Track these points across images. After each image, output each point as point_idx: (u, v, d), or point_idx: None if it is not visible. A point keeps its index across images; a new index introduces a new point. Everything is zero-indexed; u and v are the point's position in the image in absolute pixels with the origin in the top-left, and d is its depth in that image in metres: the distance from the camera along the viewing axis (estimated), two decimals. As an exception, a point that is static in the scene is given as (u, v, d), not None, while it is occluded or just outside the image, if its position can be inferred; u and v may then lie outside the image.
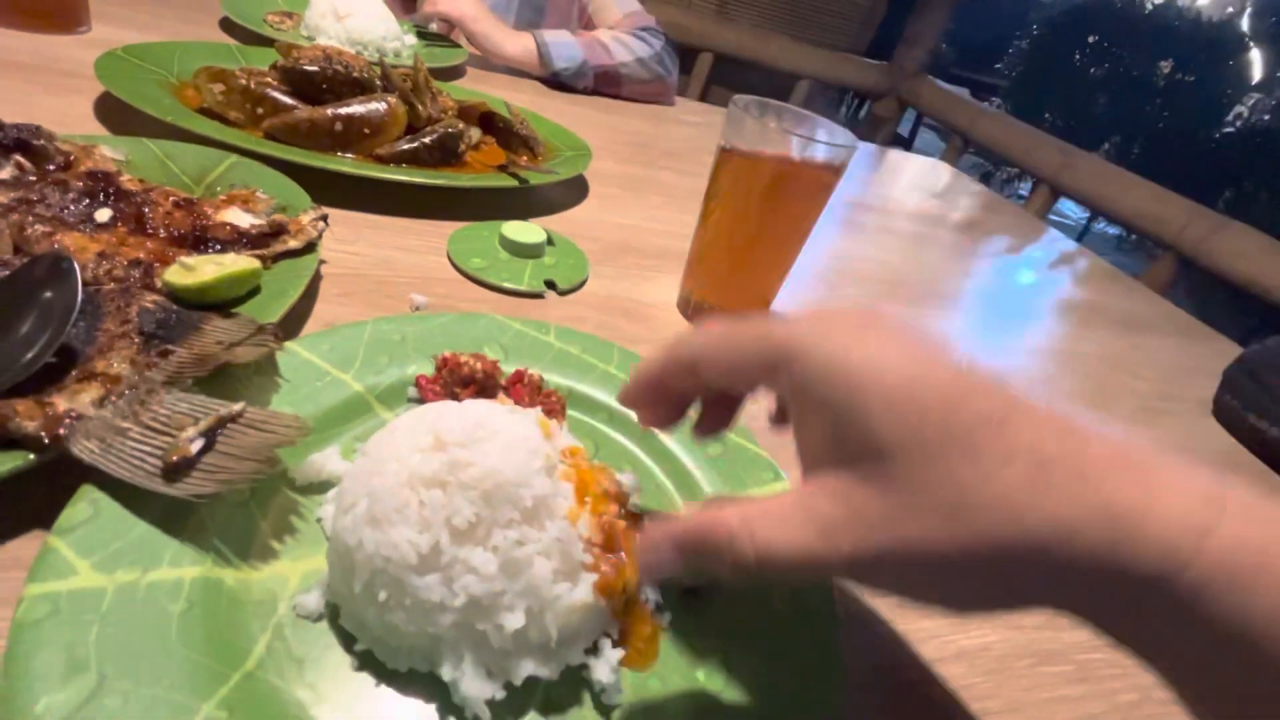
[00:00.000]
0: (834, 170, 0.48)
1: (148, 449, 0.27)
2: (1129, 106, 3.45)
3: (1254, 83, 3.53)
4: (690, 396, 0.28)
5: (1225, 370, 0.71)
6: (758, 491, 0.37)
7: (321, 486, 0.31)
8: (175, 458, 0.26)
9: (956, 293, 0.85)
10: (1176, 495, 0.17)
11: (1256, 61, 3.52)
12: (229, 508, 0.28)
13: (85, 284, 0.36)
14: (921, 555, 0.18)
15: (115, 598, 0.23)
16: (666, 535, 0.23)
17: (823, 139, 0.46)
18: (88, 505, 0.25)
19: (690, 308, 0.56)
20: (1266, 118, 3.21)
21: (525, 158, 0.71)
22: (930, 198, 1.21)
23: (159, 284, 0.37)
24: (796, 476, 0.23)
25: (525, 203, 0.66)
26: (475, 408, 0.27)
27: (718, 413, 0.29)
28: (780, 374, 0.22)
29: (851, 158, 0.48)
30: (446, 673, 0.24)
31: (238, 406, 0.29)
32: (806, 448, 0.22)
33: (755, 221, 0.49)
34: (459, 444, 0.25)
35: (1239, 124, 3.47)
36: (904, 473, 0.19)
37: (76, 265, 0.31)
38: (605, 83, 1.11)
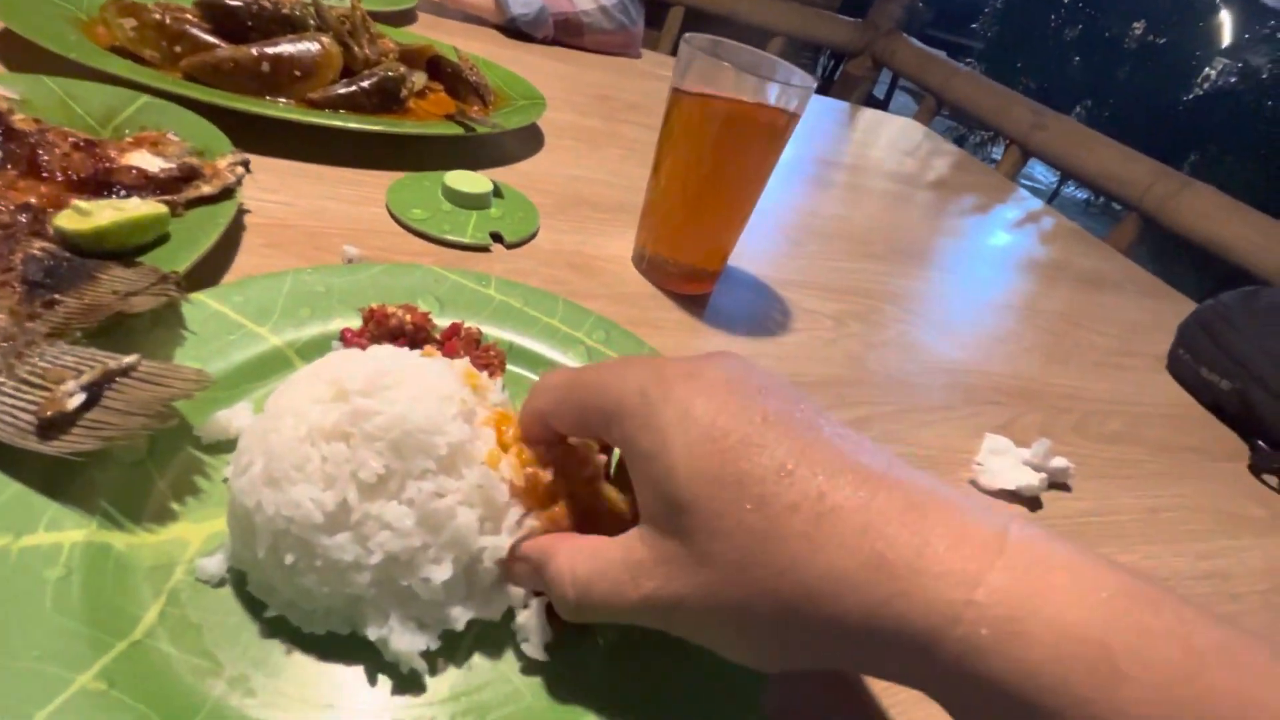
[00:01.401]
0: (790, 113, 0.46)
1: (21, 404, 0.24)
2: (1101, 68, 3.46)
3: (1223, 47, 3.55)
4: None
5: (1180, 325, 0.72)
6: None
7: (229, 445, 0.28)
8: (50, 412, 0.23)
9: (923, 251, 0.84)
10: (951, 545, 0.17)
11: (1226, 24, 3.54)
12: (121, 468, 0.26)
13: (-36, 230, 0.33)
14: (715, 606, 0.19)
15: (-20, 565, 0.21)
16: (520, 555, 0.24)
17: (777, 79, 0.44)
18: (-51, 466, 0.23)
19: (645, 262, 0.54)
20: (1233, 80, 3.24)
21: (475, 107, 0.67)
22: (902, 156, 1.19)
23: (51, 231, 0.34)
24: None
25: (474, 154, 0.62)
26: (379, 353, 0.25)
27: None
28: (612, 429, 0.22)
29: (808, 99, 0.46)
30: (372, 632, 0.23)
31: (130, 359, 0.26)
32: (639, 498, 0.22)
33: (708, 168, 0.47)
34: (361, 392, 0.23)
35: (1206, 87, 3.50)
36: (702, 524, 0.19)
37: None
38: (566, 32, 1.06)
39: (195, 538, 0.25)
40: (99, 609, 0.22)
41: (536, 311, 0.41)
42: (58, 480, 0.24)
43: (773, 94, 0.44)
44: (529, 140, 0.70)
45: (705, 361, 0.22)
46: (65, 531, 0.23)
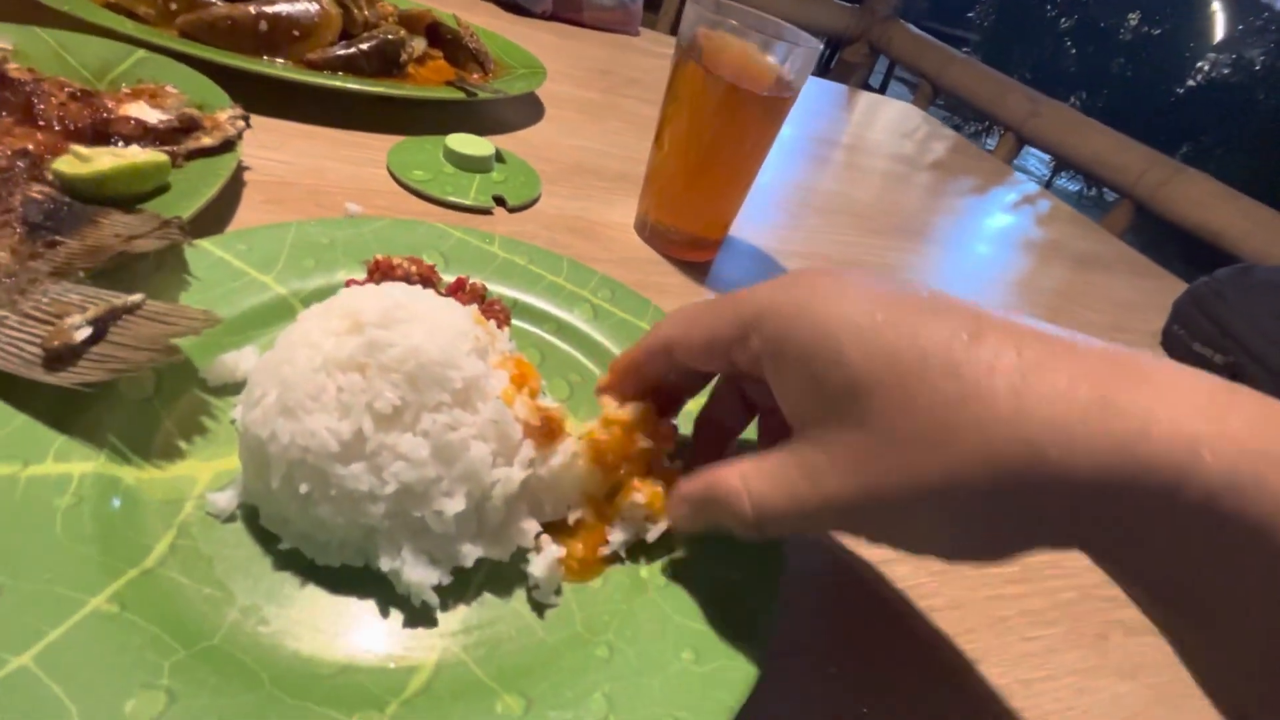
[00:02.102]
0: (794, 78, 0.46)
1: (26, 337, 0.24)
2: (1096, 59, 3.46)
3: (1217, 40, 3.56)
4: (671, 387, 0.27)
5: (1175, 301, 0.72)
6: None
7: (236, 388, 0.28)
8: (56, 343, 0.23)
9: (921, 228, 0.84)
10: (1181, 392, 0.15)
11: (1219, 17, 3.55)
12: (128, 405, 0.25)
13: (-40, 173, 0.32)
14: (914, 489, 0.17)
15: (-13, 491, 0.21)
16: (682, 494, 0.24)
17: (784, 41, 0.44)
18: (-46, 396, 0.22)
19: (647, 229, 0.54)
20: (1226, 72, 3.26)
21: (475, 75, 0.67)
22: (900, 138, 1.19)
23: (49, 177, 0.33)
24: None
25: (474, 120, 0.62)
26: (393, 289, 0.25)
27: (709, 449, 0.29)
28: (751, 337, 0.21)
29: (812, 64, 0.46)
30: (385, 564, 0.23)
31: (135, 297, 0.26)
32: (790, 405, 0.21)
33: (710, 134, 0.47)
34: (377, 324, 0.23)
35: (1200, 79, 3.51)
36: (883, 404, 0.18)
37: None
38: (564, 6, 1.05)
39: (203, 475, 0.25)
40: (110, 537, 0.21)
41: (541, 269, 0.41)
42: (65, 414, 0.24)
43: (778, 56, 0.44)
44: (529, 109, 0.69)
45: (832, 268, 0.22)
46: (73, 463, 0.23)
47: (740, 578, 0.26)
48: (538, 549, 0.25)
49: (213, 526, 0.24)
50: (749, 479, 0.21)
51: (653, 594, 0.25)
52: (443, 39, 0.66)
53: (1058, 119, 1.91)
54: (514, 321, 0.38)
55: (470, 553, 0.24)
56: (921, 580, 0.33)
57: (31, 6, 0.47)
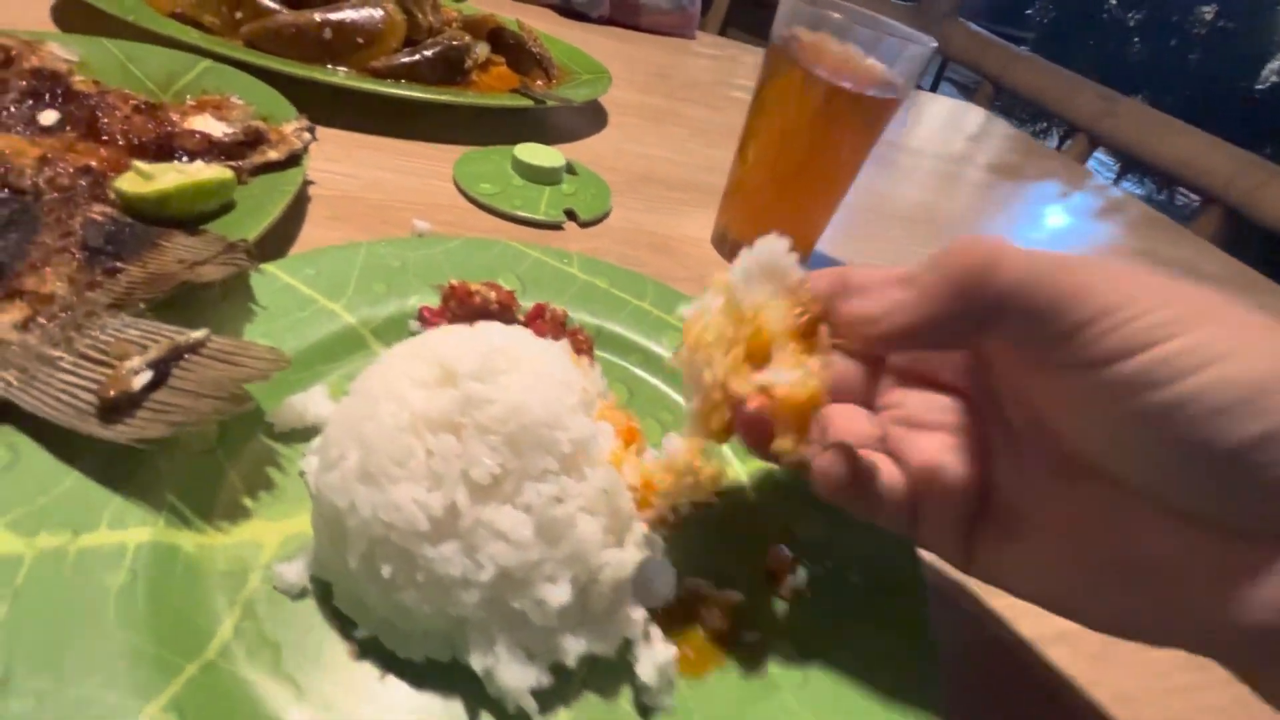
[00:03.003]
0: (902, 80, 0.41)
1: (81, 382, 0.21)
2: (1167, 55, 3.28)
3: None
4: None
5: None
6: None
7: (305, 434, 0.25)
8: (114, 392, 0.20)
9: (1012, 239, 0.77)
10: None
11: (1303, 8, 3.32)
12: (190, 457, 0.22)
13: (19, 192, 0.30)
14: None
15: (35, 568, 0.18)
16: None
17: (894, 39, 0.39)
18: (4, 450, 0.20)
19: (727, 245, 0.50)
20: (1313, 67, 3.04)
21: (539, 81, 0.64)
22: (966, 141, 1.12)
23: (111, 196, 0.31)
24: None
25: (538, 129, 0.59)
26: (489, 331, 0.21)
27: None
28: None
29: (924, 64, 0.41)
30: (477, 661, 0.19)
31: (199, 334, 0.23)
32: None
33: (805, 141, 0.43)
34: (473, 376, 0.19)
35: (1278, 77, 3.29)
36: None
37: (-6, 157, 0.25)
38: (622, 11, 1.02)
39: (271, 539, 0.22)
40: (167, 622, 0.18)
41: (624, 293, 0.37)
42: (120, 469, 0.21)
43: (885, 55, 0.40)
44: (592, 116, 0.66)
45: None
46: (129, 529, 0.20)
47: (890, 674, 0.22)
48: (645, 639, 0.21)
49: (281, 604, 0.20)
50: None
51: (786, 695, 0.21)
52: (506, 44, 0.64)
53: (1135, 118, 1.80)
54: (597, 351, 0.34)
55: (573, 647, 0.20)
56: (1080, 666, 0.28)
57: (99, 17, 0.46)
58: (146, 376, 0.21)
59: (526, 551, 0.18)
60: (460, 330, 0.21)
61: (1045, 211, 0.93)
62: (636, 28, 1.05)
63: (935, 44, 0.40)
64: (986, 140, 1.16)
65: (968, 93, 2.29)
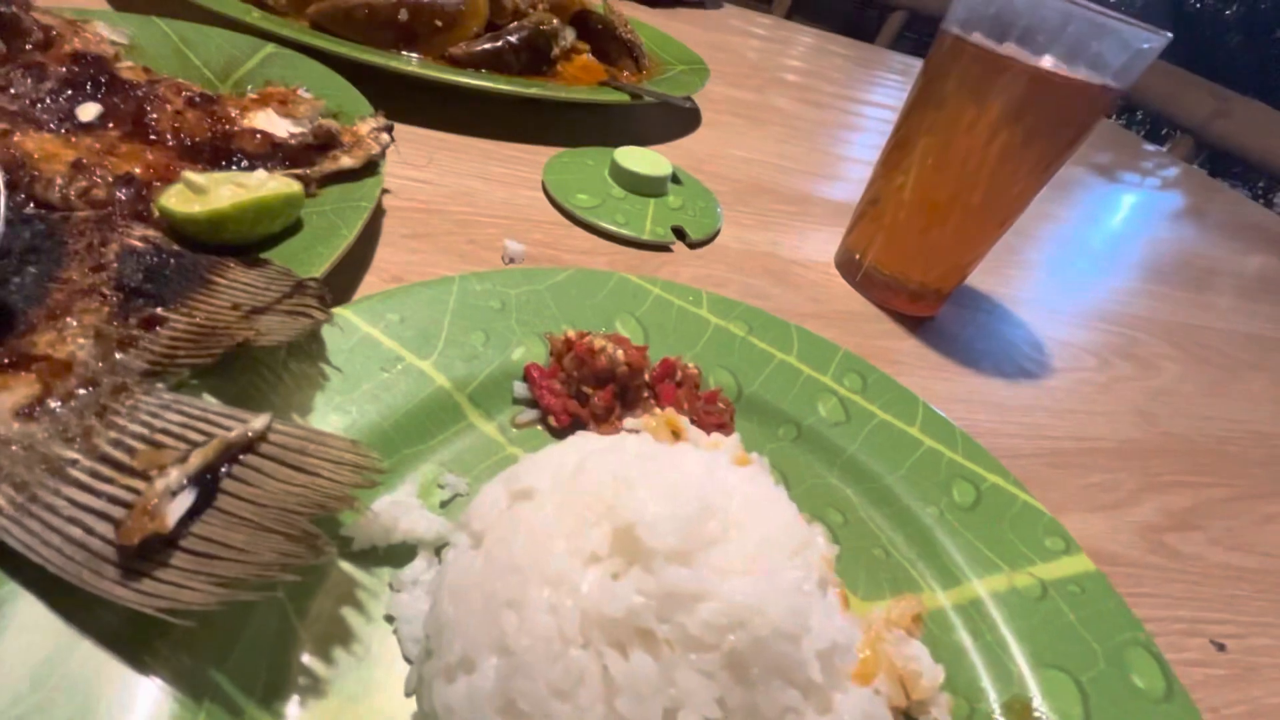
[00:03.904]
0: (1118, 82, 0.32)
1: (99, 504, 0.15)
2: (1272, 50, 3.01)
3: None
4: None
5: None
6: (1042, 570, 0.24)
7: (392, 554, 0.19)
8: (139, 538, 0.14)
9: (1165, 264, 0.67)
10: None
11: None
12: (240, 605, 0.16)
13: (49, 208, 0.24)
14: None
15: (13, 825, 0.12)
16: None
17: (1111, 30, 0.31)
18: (-16, 615, 0.14)
19: (860, 273, 0.42)
20: None
21: (626, 72, 0.56)
22: (1095, 150, 1.01)
23: (155, 212, 0.25)
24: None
25: (629, 127, 0.52)
26: (682, 460, 0.14)
27: None
28: None
29: (1146, 64, 0.32)
30: None
31: (258, 422, 0.17)
32: None
33: (980, 161, 0.34)
34: (674, 555, 0.12)
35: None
36: None
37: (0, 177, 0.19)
38: None
39: (351, 733, 0.15)
40: None
41: (765, 343, 0.30)
42: (143, 628, 0.15)
43: (1111, 48, 0.31)
44: (686, 114, 0.58)
45: None
46: (156, 738, 0.13)
47: None
48: None
49: None
50: None
51: None
52: (592, 30, 0.57)
53: (1252, 119, 1.64)
54: (738, 420, 0.27)
55: None
56: None
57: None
58: (187, 501, 0.15)
59: None
60: (636, 450, 0.14)
61: (1204, 235, 0.81)
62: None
63: (1170, 35, 0.31)
64: (1108, 146, 1.04)
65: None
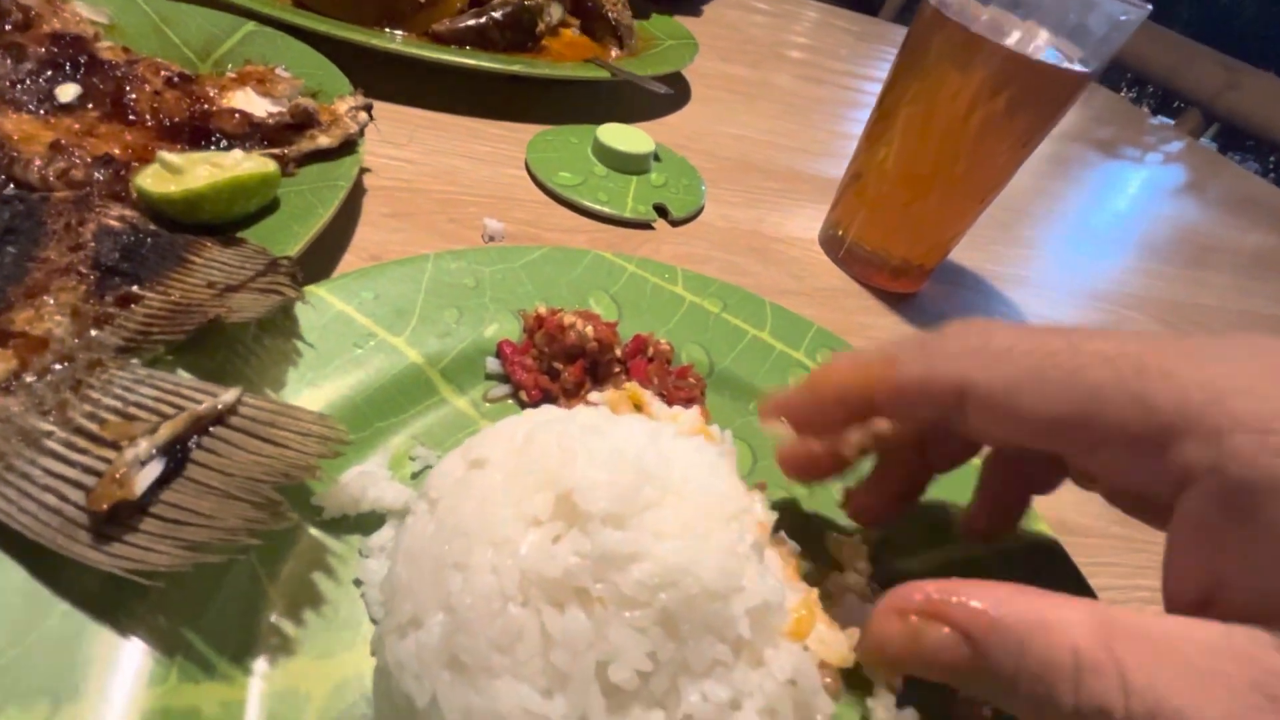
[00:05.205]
0: (1098, 57, 0.32)
1: (72, 473, 0.16)
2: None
3: None
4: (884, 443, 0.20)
5: None
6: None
7: (360, 522, 0.20)
8: (107, 503, 0.15)
9: (1154, 240, 0.67)
10: None
11: None
12: (213, 565, 0.17)
13: (27, 188, 0.25)
14: None
15: (-6, 767, 0.13)
16: (919, 599, 0.13)
17: (1091, 6, 0.30)
18: (-34, 576, 0.14)
19: (842, 249, 0.42)
20: None
21: (614, 51, 0.56)
22: (1094, 124, 0.99)
23: (133, 193, 0.26)
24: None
25: (617, 103, 0.51)
26: (629, 430, 0.15)
27: (1002, 500, 0.21)
28: (1190, 455, 0.13)
29: (1124, 39, 0.32)
30: None
31: (228, 395, 0.18)
32: (1235, 577, 0.13)
33: (962, 132, 0.34)
34: (609, 518, 0.13)
35: None
36: None
37: (-26, 154, 0.19)
38: None
39: (318, 688, 0.16)
40: (176, 844, 0.13)
41: (739, 320, 0.30)
42: (119, 592, 0.15)
43: (1094, 23, 0.31)
44: (675, 88, 0.58)
45: None
46: (131, 691, 0.14)
47: None
48: None
49: (331, 795, 0.15)
50: (1126, 652, 0.12)
51: None
52: (582, 6, 0.56)
53: (1263, 92, 1.61)
54: (709, 395, 0.27)
55: None
56: None
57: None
58: (156, 470, 0.16)
59: None
60: (586, 421, 0.15)
61: (1200, 212, 0.81)
62: None
63: (1150, 7, 0.31)
64: (1107, 120, 1.03)
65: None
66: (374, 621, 0.17)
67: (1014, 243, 0.54)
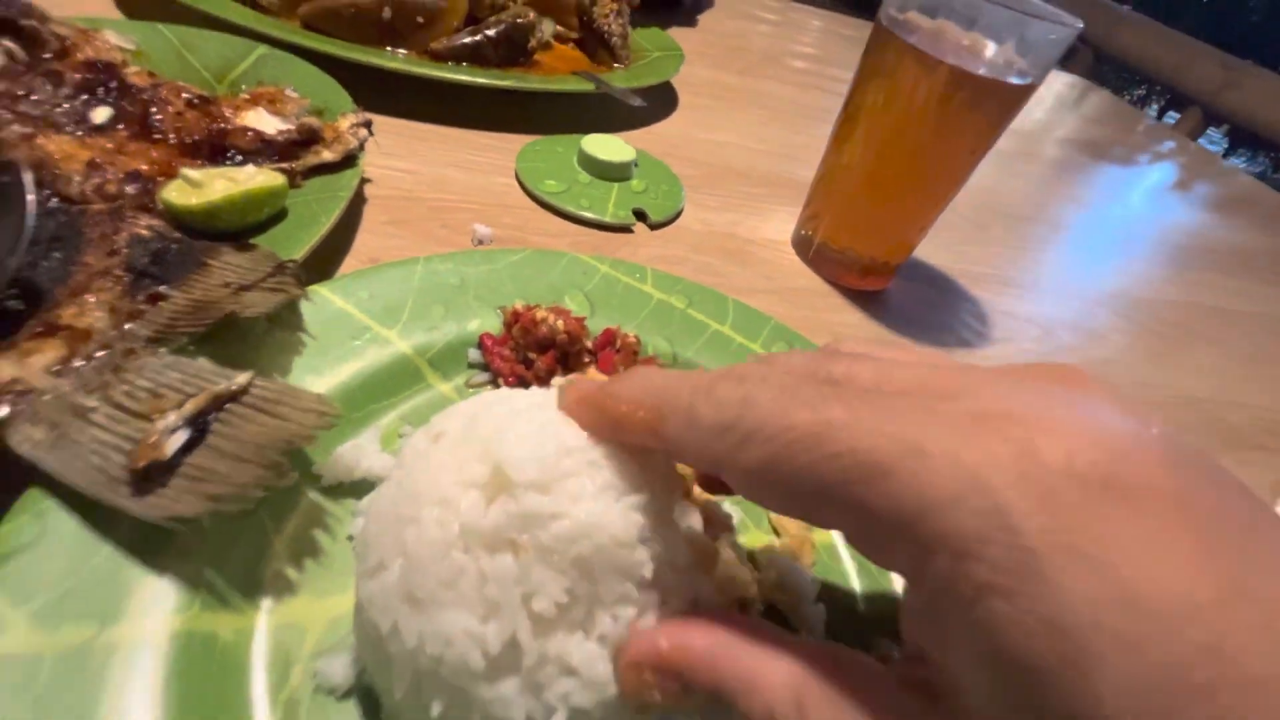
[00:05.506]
0: (1041, 65, 0.35)
1: (115, 440, 0.19)
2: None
3: None
4: None
5: None
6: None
7: (355, 488, 0.23)
8: (144, 462, 0.18)
9: (1129, 239, 0.69)
10: None
11: None
12: (230, 519, 0.20)
13: (69, 201, 0.28)
14: None
15: (58, 669, 0.16)
16: (669, 657, 0.15)
17: (1029, 19, 0.33)
18: (30, 523, 0.18)
19: (812, 250, 0.45)
20: None
21: (616, 64, 0.59)
22: (1077, 121, 1.01)
23: (159, 206, 0.29)
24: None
25: (606, 114, 0.54)
26: (551, 422, 0.17)
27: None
28: (898, 551, 0.13)
29: (1063, 49, 0.35)
30: None
31: (241, 379, 0.21)
32: (968, 696, 0.13)
33: (916, 138, 0.37)
34: (533, 485, 0.16)
35: None
36: None
37: (29, 175, 0.23)
38: None
39: (315, 622, 0.19)
40: (200, 735, 0.16)
41: (703, 315, 0.33)
42: (155, 539, 0.19)
43: (1033, 35, 0.33)
44: (662, 99, 0.61)
45: (1082, 415, 0.13)
46: (161, 617, 0.18)
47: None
48: None
49: (324, 706, 0.18)
50: (812, 707, 0.14)
51: None
52: (583, 22, 0.59)
53: (1263, 90, 1.61)
54: (672, 384, 0.30)
55: None
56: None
57: (153, 2, 0.44)
58: (182, 438, 0.19)
59: (605, 689, 0.15)
60: (515, 412, 0.18)
61: (1175, 210, 0.82)
62: None
63: (1081, 25, 0.33)
64: (1090, 118, 1.04)
65: (1064, 58, 2.09)
66: (356, 609, 0.20)
67: (985, 242, 0.57)
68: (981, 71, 0.34)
